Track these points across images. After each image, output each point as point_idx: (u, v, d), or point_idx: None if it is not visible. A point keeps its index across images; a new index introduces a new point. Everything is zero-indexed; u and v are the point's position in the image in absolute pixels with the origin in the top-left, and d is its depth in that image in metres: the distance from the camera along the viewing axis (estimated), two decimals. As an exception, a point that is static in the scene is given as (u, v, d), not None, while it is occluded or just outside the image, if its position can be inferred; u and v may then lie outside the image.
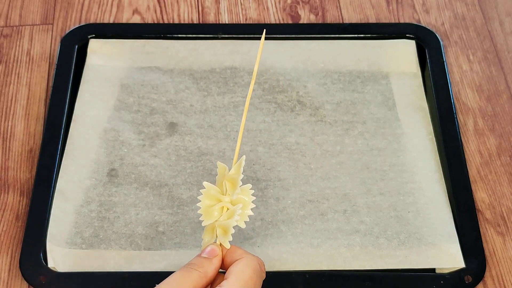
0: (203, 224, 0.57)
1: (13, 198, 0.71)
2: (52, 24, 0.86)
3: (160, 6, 0.88)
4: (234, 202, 0.57)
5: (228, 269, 0.54)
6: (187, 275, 0.54)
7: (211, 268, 0.55)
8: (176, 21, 0.86)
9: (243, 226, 0.57)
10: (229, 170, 0.58)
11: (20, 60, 0.82)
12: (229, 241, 0.56)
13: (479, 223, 0.70)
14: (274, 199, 0.71)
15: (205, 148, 0.74)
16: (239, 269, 0.54)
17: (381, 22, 0.87)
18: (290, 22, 0.87)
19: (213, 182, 0.73)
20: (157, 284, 0.53)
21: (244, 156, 0.58)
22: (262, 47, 0.57)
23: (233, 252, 0.56)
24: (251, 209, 0.57)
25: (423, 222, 0.70)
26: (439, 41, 0.83)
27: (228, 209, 0.57)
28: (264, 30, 0.60)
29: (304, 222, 0.69)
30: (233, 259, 0.55)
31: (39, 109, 0.78)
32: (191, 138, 0.75)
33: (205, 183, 0.58)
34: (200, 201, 0.58)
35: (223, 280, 0.54)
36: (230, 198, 0.57)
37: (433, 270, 0.67)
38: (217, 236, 0.57)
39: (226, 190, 0.57)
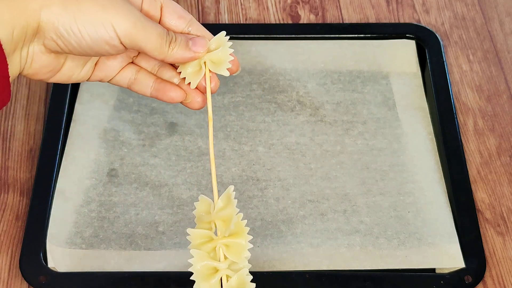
0: None
1: (13, 198, 0.71)
2: (52, 24, 0.86)
3: (160, 6, 0.88)
4: (231, 264, 0.52)
5: None
6: None
7: None
8: (176, 21, 0.86)
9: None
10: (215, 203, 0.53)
11: (20, 60, 0.82)
12: None
13: (479, 223, 0.70)
14: (274, 199, 0.71)
15: (205, 148, 0.74)
16: None
17: (381, 22, 0.87)
18: (290, 22, 0.87)
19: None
20: None
21: (232, 187, 0.53)
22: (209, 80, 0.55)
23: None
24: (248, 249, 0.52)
25: (423, 222, 0.70)
26: (439, 41, 0.83)
27: (228, 276, 0.51)
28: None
29: (304, 222, 0.69)
30: None
31: (39, 109, 0.78)
32: (191, 138, 0.75)
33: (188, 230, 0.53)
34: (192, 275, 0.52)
35: None
36: (228, 263, 0.51)
37: (433, 270, 0.67)
38: None
39: (215, 230, 0.52)
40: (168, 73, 0.56)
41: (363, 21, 0.87)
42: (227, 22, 0.86)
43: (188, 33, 0.54)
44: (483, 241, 0.69)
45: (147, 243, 0.68)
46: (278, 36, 0.84)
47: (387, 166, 0.74)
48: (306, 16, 0.87)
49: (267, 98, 0.78)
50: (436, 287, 0.65)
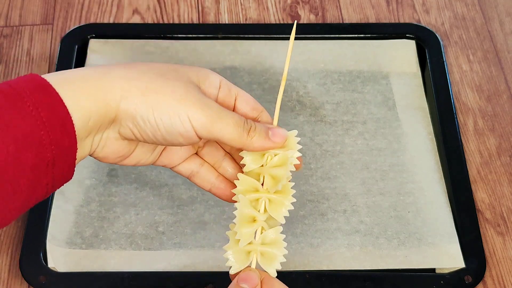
0: (239, 244, 0.50)
1: (13, 198, 0.71)
2: (52, 24, 0.86)
3: (160, 6, 0.88)
4: (269, 219, 0.51)
5: None
6: None
7: None
8: (176, 21, 0.86)
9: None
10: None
11: (20, 60, 0.82)
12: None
13: (479, 223, 0.70)
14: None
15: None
16: None
17: (381, 22, 0.87)
18: (290, 22, 0.87)
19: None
20: None
21: (295, 131, 0.52)
22: (292, 42, 0.54)
23: (268, 280, 0.49)
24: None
25: (423, 222, 0.70)
26: (439, 41, 0.83)
27: (263, 228, 0.51)
28: (295, 22, 0.55)
29: (304, 222, 0.69)
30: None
31: (39, 109, 0.78)
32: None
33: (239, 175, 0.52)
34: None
35: None
36: (266, 216, 0.51)
37: (433, 270, 0.67)
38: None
39: (263, 184, 0.52)
40: (231, 169, 0.56)
41: (363, 21, 0.87)
42: (227, 22, 0.86)
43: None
44: (483, 241, 0.69)
45: (147, 243, 0.68)
46: (278, 36, 0.84)
47: (387, 166, 0.74)
48: (306, 16, 0.87)
49: (267, 98, 0.78)
50: (436, 287, 0.65)
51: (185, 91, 0.48)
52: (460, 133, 0.76)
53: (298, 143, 0.52)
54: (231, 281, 0.50)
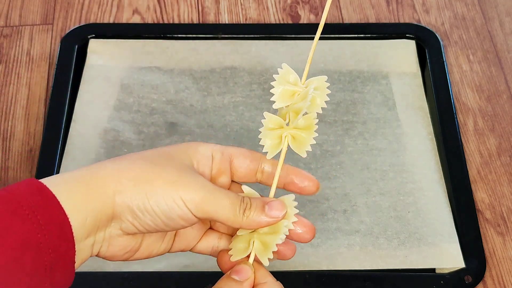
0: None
1: (13, 198, 0.71)
2: (52, 24, 0.86)
3: (160, 6, 0.88)
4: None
5: None
6: None
7: None
8: (176, 21, 0.86)
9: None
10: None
11: (20, 60, 0.82)
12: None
13: (479, 223, 0.70)
14: (274, 199, 0.71)
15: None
16: None
17: (381, 22, 0.87)
18: (290, 22, 0.87)
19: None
20: None
21: (325, 76, 0.52)
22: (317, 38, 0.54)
23: (262, 276, 0.49)
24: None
25: (423, 222, 0.70)
26: (439, 41, 0.83)
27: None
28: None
29: (304, 222, 0.69)
30: (256, 281, 0.49)
31: (39, 109, 0.78)
32: (191, 138, 0.75)
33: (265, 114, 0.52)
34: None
35: None
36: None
37: (433, 270, 0.67)
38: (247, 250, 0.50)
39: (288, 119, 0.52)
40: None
41: (363, 21, 0.87)
42: (227, 22, 0.86)
43: (263, 171, 0.53)
44: (483, 241, 0.69)
45: (147, 243, 0.68)
46: (278, 36, 0.84)
47: (387, 166, 0.74)
48: (306, 16, 0.87)
49: (267, 98, 0.78)
50: (436, 287, 0.65)
51: (177, 174, 0.48)
52: (460, 133, 0.76)
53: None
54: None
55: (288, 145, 0.52)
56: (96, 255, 0.49)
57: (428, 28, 0.85)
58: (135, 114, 0.77)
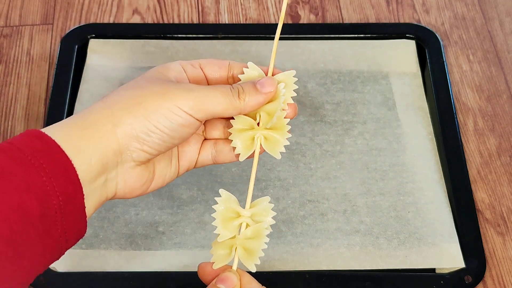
0: (218, 239, 0.50)
1: (13, 198, 0.71)
2: (52, 24, 0.86)
3: (160, 6, 0.88)
4: (254, 216, 0.51)
5: None
6: None
7: None
8: (176, 21, 0.86)
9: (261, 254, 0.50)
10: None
11: (20, 60, 0.82)
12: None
13: (479, 223, 0.70)
14: (274, 199, 0.71)
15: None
16: None
17: (381, 22, 0.87)
18: (290, 22, 0.87)
19: (213, 184, 0.73)
20: None
21: (293, 71, 0.53)
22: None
23: (247, 283, 0.50)
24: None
25: (423, 222, 0.70)
26: (439, 41, 0.83)
27: (248, 225, 0.51)
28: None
29: (304, 222, 0.69)
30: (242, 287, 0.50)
31: (39, 109, 0.78)
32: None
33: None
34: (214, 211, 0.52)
35: None
36: (251, 212, 0.51)
37: (433, 270, 0.67)
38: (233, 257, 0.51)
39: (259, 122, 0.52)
40: None
41: (363, 21, 0.87)
42: (227, 22, 0.86)
43: (233, 76, 0.54)
44: (483, 241, 0.69)
45: (147, 243, 0.68)
46: (278, 36, 0.84)
47: (387, 166, 0.74)
48: (306, 16, 0.87)
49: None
50: (436, 287, 0.65)
51: (161, 87, 0.49)
52: (460, 133, 0.76)
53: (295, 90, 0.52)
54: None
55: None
56: (113, 197, 0.50)
57: (428, 28, 0.85)
58: (135, 114, 0.77)
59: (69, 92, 0.77)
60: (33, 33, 0.85)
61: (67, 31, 0.84)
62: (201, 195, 0.71)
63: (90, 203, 0.47)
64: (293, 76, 0.53)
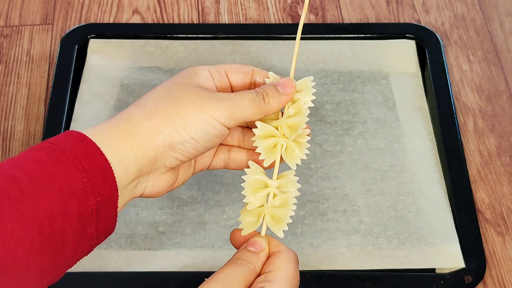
0: (248, 207, 0.52)
1: (13, 198, 0.71)
2: (52, 24, 0.86)
3: (160, 6, 0.88)
4: (280, 187, 0.53)
5: (269, 261, 0.51)
6: (238, 271, 0.50)
7: (259, 263, 0.51)
8: (176, 21, 0.86)
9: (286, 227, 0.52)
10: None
11: (20, 60, 0.82)
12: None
13: (479, 223, 0.70)
14: (274, 199, 0.71)
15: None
16: (282, 263, 0.51)
17: (381, 22, 0.87)
18: (290, 22, 0.87)
19: (213, 184, 0.73)
20: (206, 278, 0.51)
21: (311, 77, 0.54)
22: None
23: (275, 246, 0.52)
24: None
25: (423, 222, 0.70)
26: (439, 41, 0.83)
27: (275, 195, 0.53)
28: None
29: (304, 222, 0.69)
30: (271, 250, 0.52)
31: (39, 109, 0.78)
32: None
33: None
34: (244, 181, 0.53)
35: (266, 273, 0.51)
36: (278, 183, 0.53)
37: (433, 270, 0.67)
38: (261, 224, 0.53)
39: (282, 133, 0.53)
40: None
41: (363, 21, 0.87)
42: (227, 22, 0.86)
43: (255, 82, 0.56)
44: (483, 241, 0.69)
45: (147, 243, 0.68)
46: (278, 36, 0.84)
47: (387, 166, 0.74)
48: (306, 16, 0.87)
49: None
50: (436, 287, 0.65)
51: (197, 97, 0.51)
52: (460, 133, 0.76)
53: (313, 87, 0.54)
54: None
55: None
56: (139, 197, 0.52)
57: (428, 28, 0.85)
58: (135, 114, 0.77)
59: (69, 92, 0.77)
60: (33, 33, 0.85)
61: (67, 31, 0.84)
62: (201, 195, 0.71)
63: (121, 203, 0.49)
64: (311, 81, 0.54)
